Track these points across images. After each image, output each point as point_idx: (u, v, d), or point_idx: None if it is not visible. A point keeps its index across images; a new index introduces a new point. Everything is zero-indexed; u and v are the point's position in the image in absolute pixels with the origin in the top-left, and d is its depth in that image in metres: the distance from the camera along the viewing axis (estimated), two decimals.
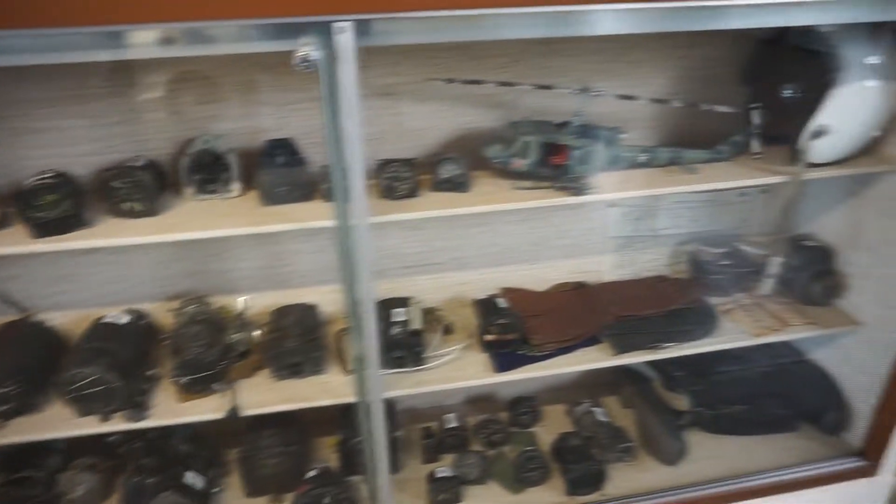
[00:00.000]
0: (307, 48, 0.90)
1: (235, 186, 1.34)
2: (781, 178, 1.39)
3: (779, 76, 1.41)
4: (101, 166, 1.36)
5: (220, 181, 1.34)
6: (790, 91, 1.40)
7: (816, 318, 1.61)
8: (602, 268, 1.74)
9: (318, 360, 1.43)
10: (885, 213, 1.49)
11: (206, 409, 1.35)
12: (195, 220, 1.25)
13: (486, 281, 1.69)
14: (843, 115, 1.33)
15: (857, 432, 1.68)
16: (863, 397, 1.65)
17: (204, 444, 1.60)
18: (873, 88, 1.32)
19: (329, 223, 1.18)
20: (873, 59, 1.31)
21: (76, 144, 1.34)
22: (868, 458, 1.65)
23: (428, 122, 1.45)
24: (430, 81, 1.36)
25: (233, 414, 1.35)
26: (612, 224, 1.68)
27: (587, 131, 1.35)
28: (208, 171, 1.33)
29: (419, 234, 1.60)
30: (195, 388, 1.38)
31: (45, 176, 1.21)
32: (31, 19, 0.85)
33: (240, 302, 1.51)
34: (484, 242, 1.65)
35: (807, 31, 1.35)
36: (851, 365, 1.67)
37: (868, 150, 1.44)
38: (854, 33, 1.31)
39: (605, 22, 1.02)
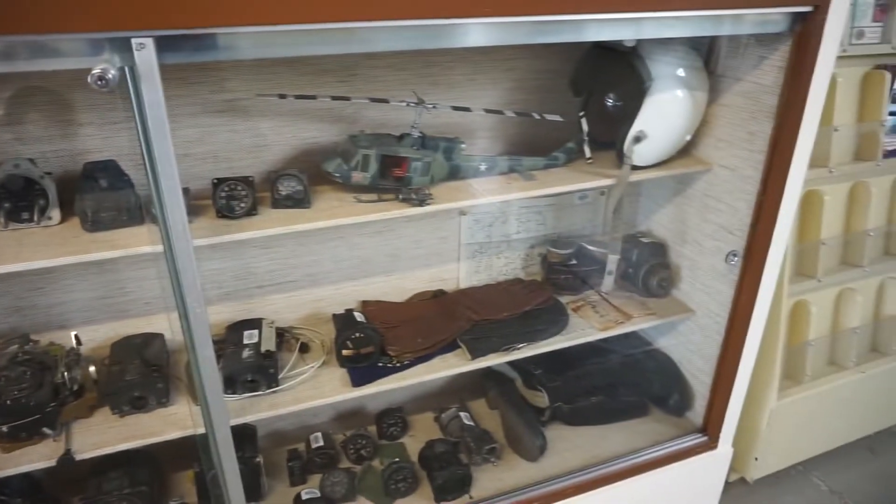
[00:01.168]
0: (102, 66, 0.85)
1: (55, 213, 1.24)
2: (609, 181, 1.48)
3: (601, 86, 1.52)
4: None
5: (37, 208, 1.23)
6: (611, 100, 1.51)
7: (655, 309, 1.74)
8: (459, 275, 1.78)
9: (163, 392, 1.36)
10: (701, 208, 1.64)
11: (36, 457, 1.24)
12: (3, 253, 1.14)
13: (344, 295, 1.68)
14: (658, 121, 1.45)
15: (699, 411, 1.82)
16: (701, 378, 1.79)
17: (44, 495, 1.47)
18: (681, 97, 1.45)
19: (156, 248, 1.12)
20: (680, 72, 1.44)
21: None
22: (708, 434, 1.80)
23: (266, 139, 1.42)
24: (264, 97, 1.34)
25: (66, 460, 1.25)
26: (465, 231, 1.73)
27: (427, 142, 1.37)
28: (20, 198, 1.22)
29: (270, 252, 1.56)
30: (20, 435, 1.25)
31: None
32: None
33: (72, 337, 1.40)
34: (339, 256, 1.64)
35: (623, 45, 1.46)
36: (689, 349, 1.81)
37: (683, 152, 1.58)
38: (663, 47, 1.44)
39: (470, 35, 1.04)
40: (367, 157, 1.31)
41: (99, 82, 0.85)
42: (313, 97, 1.30)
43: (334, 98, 1.31)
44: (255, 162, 1.43)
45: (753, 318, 1.60)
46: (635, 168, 1.49)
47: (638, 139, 1.45)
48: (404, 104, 1.33)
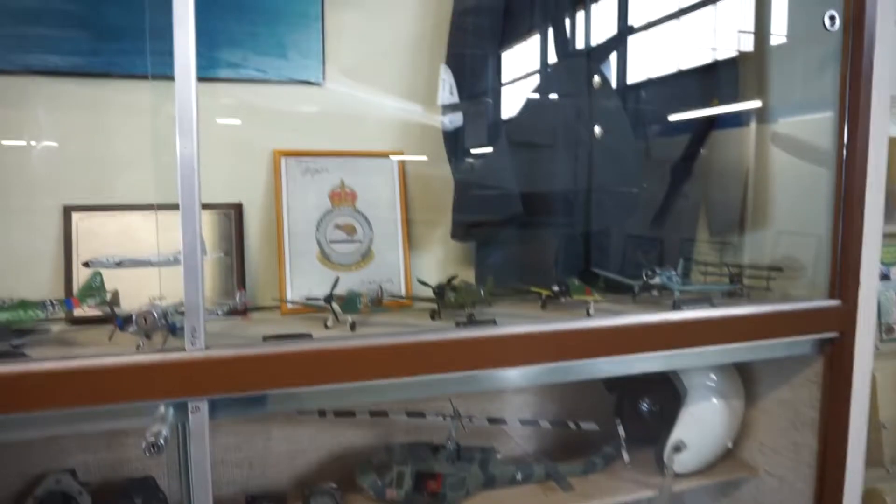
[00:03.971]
0: (155, 431, 0.89)
1: None
2: (650, 493, 1.42)
3: (634, 389, 1.53)
4: None
5: None
6: (646, 405, 1.51)
7: None
8: None
9: None
10: None
11: None
12: None
13: None
14: (697, 430, 1.43)
15: None
16: None
17: None
18: (718, 406, 1.45)
19: None
20: (714, 381, 1.45)
21: None
22: None
23: (301, 445, 1.43)
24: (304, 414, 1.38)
25: None
26: None
27: (462, 454, 1.36)
28: None
29: None
30: None
31: None
32: None
33: None
34: None
35: None
36: None
37: (727, 456, 1.53)
38: None
39: (505, 381, 1.11)
40: (402, 473, 1.30)
41: (151, 449, 0.89)
42: (352, 414, 1.33)
43: (373, 414, 1.34)
44: (290, 468, 1.43)
45: None
46: (677, 475, 1.44)
47: (678, 449, 1.42)
48: (440, 418, 1.35)
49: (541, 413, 1.60)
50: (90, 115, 1.27)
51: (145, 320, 0.91)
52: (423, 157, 1.44)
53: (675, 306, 1.24)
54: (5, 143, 1.25)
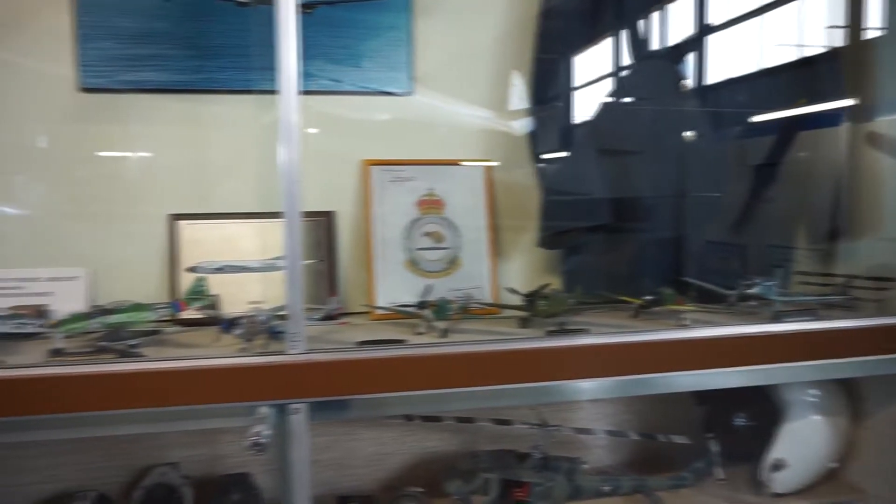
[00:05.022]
0: (258, 430, 0.92)
1: None
2: None
3: (729, 405, 1.47)
4: (43, 501, 1.31)
5: None
6: (742, 420, 1.45)
7: None
8: None
9: None
10: None
11: None
12: None
13: None
14: (797, 448, 1.36)
15: None
16: None
17: None
18: (819, 423, 1.37)
19: None
20: (813, 398, 1.38)
21: (15, 473, 1.30)
22: None
23: (388, 447, 1.45)
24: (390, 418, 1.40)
25: None
26: None
27: (548, 463, 1.35)
28: None
29: None
30: None
31: None
32: None
33: None
34: None
35: None
36: None
37: (830, 477, 1.44)
38: None
39: (595, 391, 1.12)
40: (489, 481, 1.29)
41: (255, 447, 0.92)
42: (438, 419, 1.34)
43: (459, 420, 1.35)
44: (376, 470, 1.45)
45: None
46: (775, 495, 1.37)
47: (777, 467, 1.35)
48: (527, 427, 1.34)
49: (620, 423, 1.55)
50: (193, 129, 1.34)
51: (252, 324, 0.95)
52: (509, 164, 1.44)
53: (776, 318, 1.18)
54: (117, 156, 1.34)
